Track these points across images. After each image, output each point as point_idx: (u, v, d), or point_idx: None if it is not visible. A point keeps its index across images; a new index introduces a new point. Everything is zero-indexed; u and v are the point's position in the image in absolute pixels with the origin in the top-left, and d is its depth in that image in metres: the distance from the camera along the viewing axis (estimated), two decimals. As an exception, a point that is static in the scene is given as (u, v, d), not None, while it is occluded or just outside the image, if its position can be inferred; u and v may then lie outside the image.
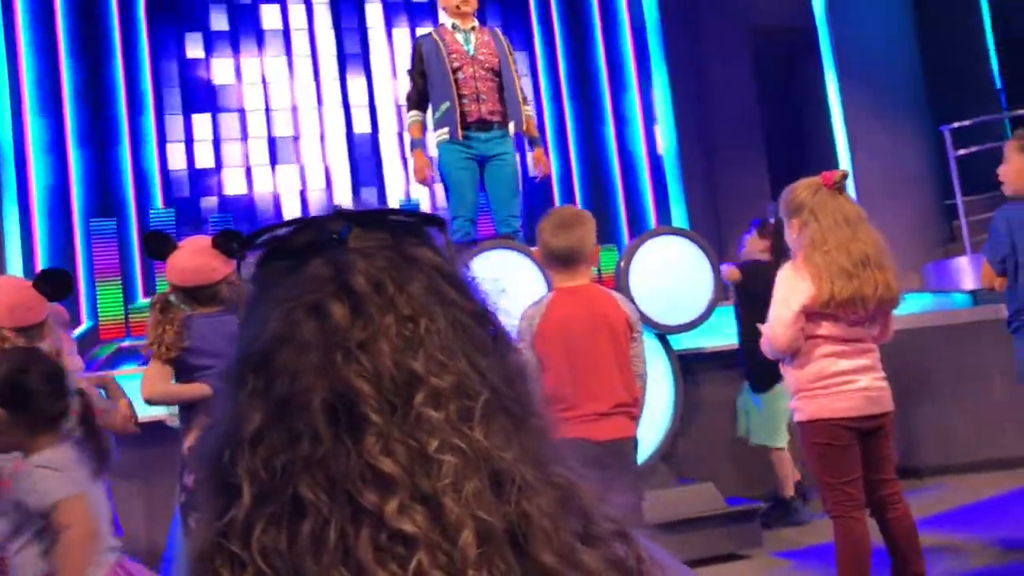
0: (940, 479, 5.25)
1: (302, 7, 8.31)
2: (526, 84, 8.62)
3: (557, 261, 2.97)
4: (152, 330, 3.05)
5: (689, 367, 4.63)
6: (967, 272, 6.65)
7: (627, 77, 8.73)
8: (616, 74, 8.75)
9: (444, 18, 4.90)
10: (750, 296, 4.37)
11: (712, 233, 7.89)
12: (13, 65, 7.18)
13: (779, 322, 2.86)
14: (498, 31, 5.01)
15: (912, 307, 5.88)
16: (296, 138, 8.19)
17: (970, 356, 5.48)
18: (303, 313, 0.65)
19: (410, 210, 0.75)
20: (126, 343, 7.39)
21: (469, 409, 0.64)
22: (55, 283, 2.96)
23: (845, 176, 3.02)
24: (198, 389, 2.99)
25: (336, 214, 0.71)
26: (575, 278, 3.02)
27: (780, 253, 4.65)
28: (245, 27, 8.19)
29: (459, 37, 4.77)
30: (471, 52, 4.73)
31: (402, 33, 8.49)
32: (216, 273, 3.05)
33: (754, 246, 4.89)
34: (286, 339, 0.65)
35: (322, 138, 8.26)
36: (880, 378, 2.96)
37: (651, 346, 4.10)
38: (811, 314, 2.85)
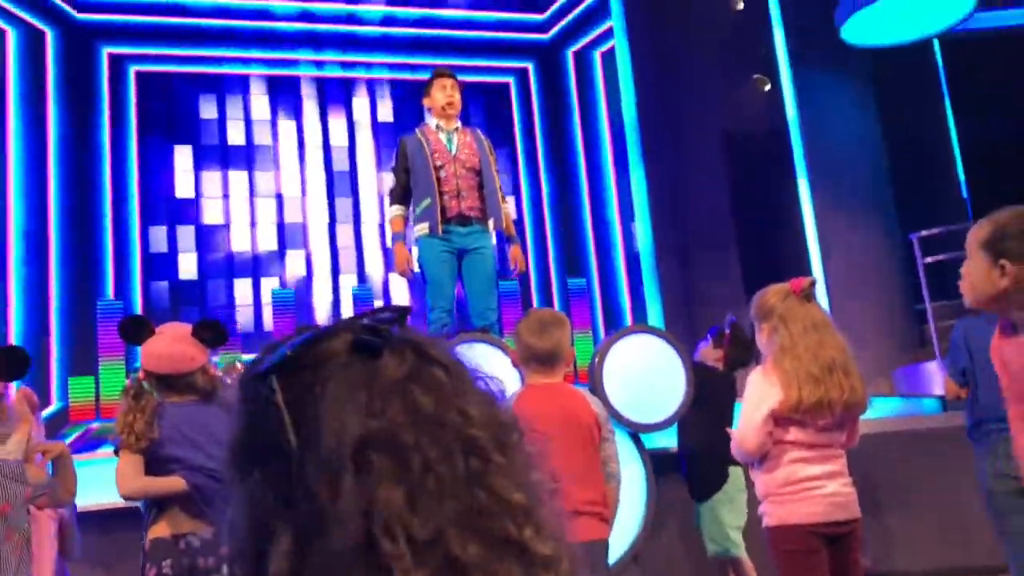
0: (910, 586, 5.21)
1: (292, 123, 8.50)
2: (506, 181, 8.82)
3: (537, 362, 3.03)
4: (122, 416, 2.95)
5: (662, 467, 4.63)
6: (936, 377, 6.75)
7: (605, 177, 8.94)
8: (594, 174, 8.97)
9: (429, 118, 5.07)
10: (695, 400, 4.40)
11: (686, 333, 7.98)
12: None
13: (749, 426, 2.90)
14: (479, 131, 5.17)
15: (881, 411, 5.94)
16: (281, 225, 8.28)
17: (938, 462, 5.51)
18: (412, 387, 0.72)
19: (392, 306, 0.82)
20: (95, 424, 7.31)
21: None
22: (17, 361, 2.94)
23: (813, 283, 3.10)
24: (175, 484, 2.90)
25: (364, 316, 0.78)
26: (550, 378, 3.09)
27: (732, 364, 4.71)
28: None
29: (442, 136, 4.93)
30: (453, 151, 4.88)
31: (388, 128, 8.69)
32: (193, 362, 2.98)
33: (708, 354, 4.90)
34: (406, 415, 0.70)
35: (304, 229, 8.37)
36: (847, 484, 2.98)
37: (623, 445, 4.11)
38: (780, 419, 2.89)
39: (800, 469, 2.92)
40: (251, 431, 0.74)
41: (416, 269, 4.99)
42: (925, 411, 6.36)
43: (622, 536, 4.11)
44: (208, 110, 8.26)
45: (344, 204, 8.47)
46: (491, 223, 4.87)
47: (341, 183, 8.51)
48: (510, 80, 9.19)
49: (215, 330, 3.03)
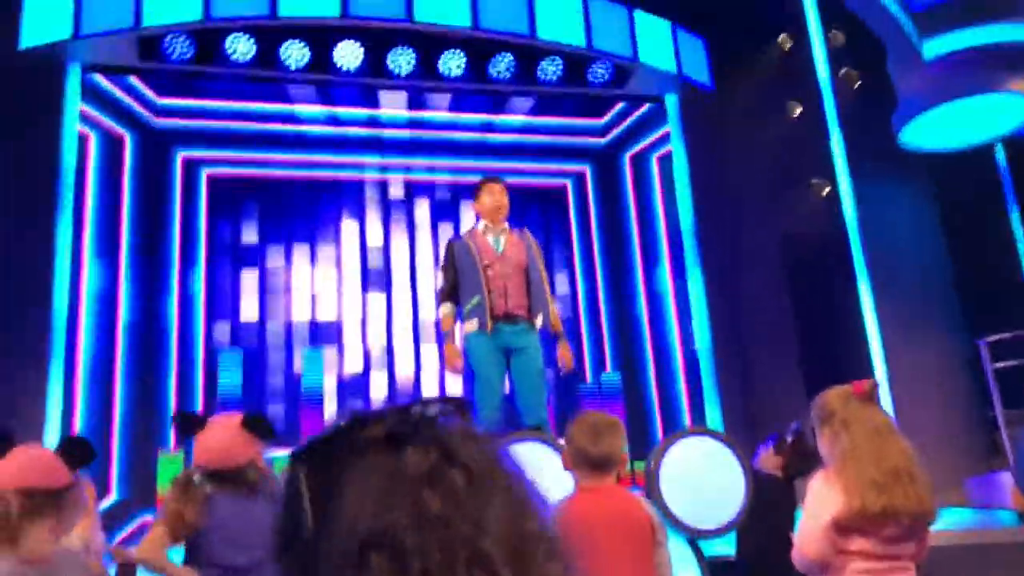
0: None
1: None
2: (561, 280, 8.88)
3: (591, 466, 2.98)
4: (169, 505, 2.95)
5: (719, 574, 4.48)
6: (1011, 487, 6.47)
7: (662, 278, 8.94)
8: (651, 276, 8.98)
9: (477, 222, 5.21)
10: (753, 508, 4.26)
11: (745, 439, 7.81)
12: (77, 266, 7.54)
13: (809, 533, 2.80)
14: (527, 231, 5.27)
15: (953, 523, 5.70)
16: (339, 323, 8.41)
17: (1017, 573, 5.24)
18: (424, 489, 0.70)
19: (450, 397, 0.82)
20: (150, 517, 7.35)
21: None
22: (82, 451, 2.92)
23: (876, 386, 3.02)
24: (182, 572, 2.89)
25: (413, 404, 0.78)
26: (598, 479, 3.02)
27: (793, 472, 4.58)
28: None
29: (490, 238, 5.05)
30: (500, 250, 4.97)
31: (447, 229, 8.86)
32: (243, 456, 3.01)
33: (767, 461, 4.79)
34: (412, 518, 0.69)
35: (363, 323, 8.47)
36: (913, 596, 2.85)
37: (681, 550, 4.00)
38: (843, 528, 2.78)
39: (863, 581, 2.80)
40: (283, 516, 0.74)
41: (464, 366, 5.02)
42: (1000, 523, 6.08)
43: (680, 648, 3.95)
44: (276, 212, 8.53)
45: (403, 302, 8.59)
46: (539, 320, 4.91)
47: (401, 283, 8.64)
48: (567, 183, 9.34)
49: (263, 423, 3.06)
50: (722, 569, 4.54)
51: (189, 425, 3.14)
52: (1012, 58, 7.09)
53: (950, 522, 5.79)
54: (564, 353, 5.08)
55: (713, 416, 8.27)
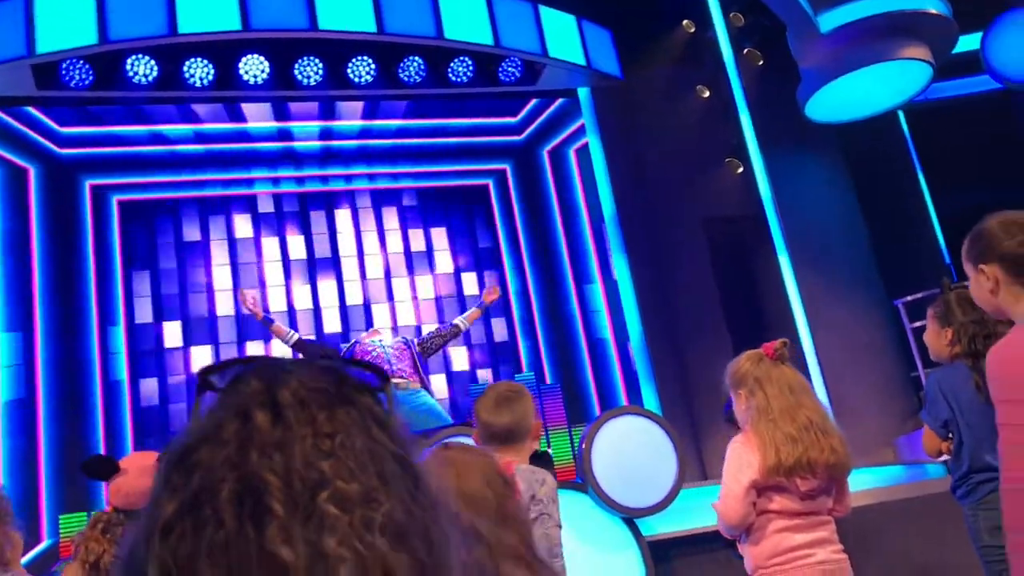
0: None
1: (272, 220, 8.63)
2: (491, 279, 8.88)
3: (497, 440, 2.89)
4: (86, 544, 2.85)
5: (661, 553, 4.51)
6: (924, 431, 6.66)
7: (590, 270, 9.00)
8: (579, 267, 9.03)
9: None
10: None
11: (684, 420, 7.91)
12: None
13: (730, 496, 2.83)
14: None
15: (882, 478, 5.84)
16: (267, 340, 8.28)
17: (947, 527, 5.38)
18: (229, 416, 0.70)
19: (361, 364, 0.80)
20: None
21: (371, 518, 0.67)
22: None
23: (786, 344, 3.08)
24: None
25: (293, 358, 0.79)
26: (519, 455, 2.93)
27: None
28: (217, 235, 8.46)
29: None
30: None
31: (370, 237, 8.79)
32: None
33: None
34: (208, 438, 0.69)
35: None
36: (838, 551, 2.90)
37: (618, 532, 4.02)
38: (763, 488, 2.82)
39: (786, 539, 2.84)
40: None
41: None
42: (927, 476, 6.25)
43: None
44: (191, 233, 8.37)
45: (331, 315, 8.50)
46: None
47: (327, 294, 8.55)
48: (489, 182, 9.35)
49: None
50: (662, 548, 4.58)
51: (103, 471, 3.09)
52: (905, 26, 7.29)
53: (879, 478, 5.93)
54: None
55: (649, 402, 8.34)
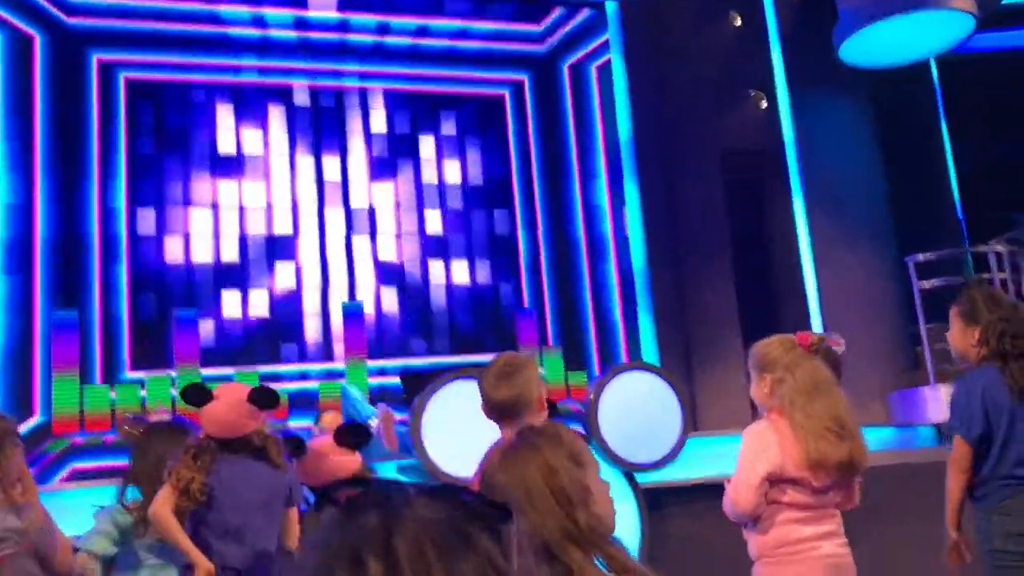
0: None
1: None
2: (497, 193, 8.74)
3: (501, 413, 2.83)
4: (178, 472, 3.09)
5: (657, 502, 4.57)
6: (931, 403, 6.71)
7: (599, 193, 8.87)
8: (588, 188, 8.90)
9: None
10: None
11: (679, 352, 7.93)
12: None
13: (744, 485, 2.81)
14: None
15: (873, 441, 5.88)
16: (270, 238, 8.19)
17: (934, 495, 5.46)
18: (341, 559, 0.67)
19: (483, 497, 0.76)
20: (79, 439, 7.21)
21: None
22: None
23: (823, 340, 3.02)
24: (196, 556, 3.01)
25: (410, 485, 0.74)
26: (516, 425, 2.78)
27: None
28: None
29: None
30: None
31: (379, 139, 8.61)
32: (248, 427, 3.19)
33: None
34: None
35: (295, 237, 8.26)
36: (843, 544, 2.91)
37: (616, 484, 4.04)
38: (776, 480, 2.81)
39: (795, 530, 2.84)
40: None
41: None
42: (919, 441, 6.32)
43: None
44: (199, 118, 8.15)
45: (335, 215, 8.37)
46: None
47: (332, 194, 8.41)
48: (505, 92, 9.11)
49: (269, 397, 3.22)
50: (659, 496, 4.63)
51: (197, 397, 3.23)
52: (954, -26, 7.01)
53: (870, 441, 5.97)
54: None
55: (647, 332, 8.35)
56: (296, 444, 3.30)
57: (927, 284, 7.08)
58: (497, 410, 2.86)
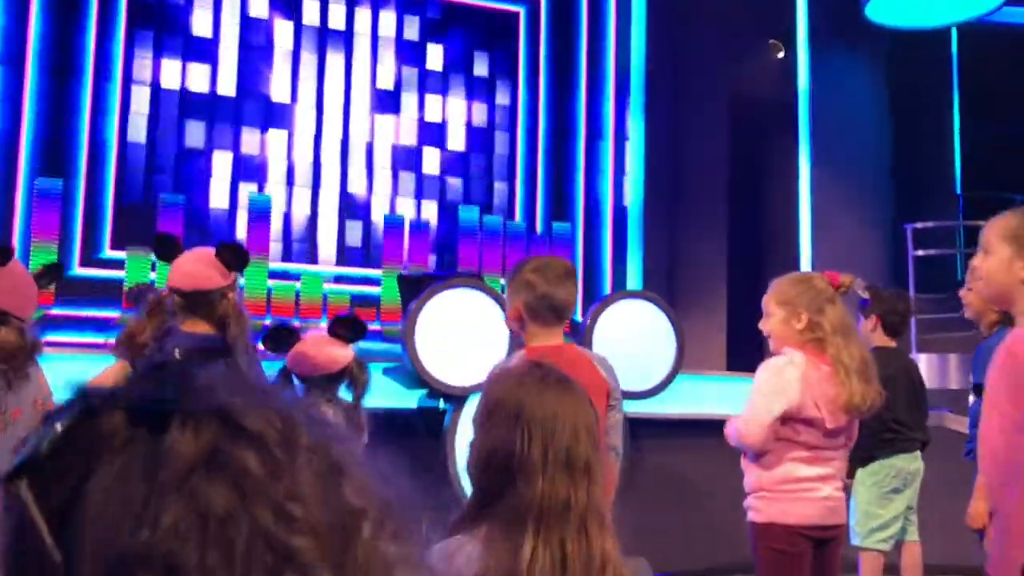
0: None
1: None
2: (503, 113, 8.58)
3: (551, 314, 2.70)
4: (131, 325, 3.03)
5: (642, 432, 4.57)
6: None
7: (604, 124, 8.73)
8: (594, 120, 8.75)
9: None
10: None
11: (663, 291, 7.90)
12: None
13: (755, 422, 2.79)
14: None
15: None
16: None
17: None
18: (200, 479, 0.50)
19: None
20: (55, 311, 7.08)
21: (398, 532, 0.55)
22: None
23: (852, 283, 3.00)
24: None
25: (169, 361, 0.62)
26: (550, 337, 2.76)
27: (893, 328, 4.24)
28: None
29: None
30: None
31: (387, 45, 8.39)
32: (213, 280, 3.00)
33: (871, 335, 4.21)
34: (187, 523, 0.50)
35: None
36: (840, 488, 2.94)
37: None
38: (789, 418, 2.79)
39: (799, 469, 2.84)
40: (13, 556, 0.54)
41: None
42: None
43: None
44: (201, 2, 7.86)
45: (334, 113, 8.18)
46: None
47: (332, 90, 8.20)
48: (520, 10, 8.87)
49: (236, 253, 3.09)
50: (646, 427, 4.63)
51: (167, 249, 3.16)
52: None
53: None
54: None
55: (634, 268, 8.32)
56: (288, 331, 3.23)
57: (922, 252, 7.09)
58: (553, 310, 2.72)
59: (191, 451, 0.51)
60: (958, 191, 8.59)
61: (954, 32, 8.81)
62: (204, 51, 7.89)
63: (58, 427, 0.53)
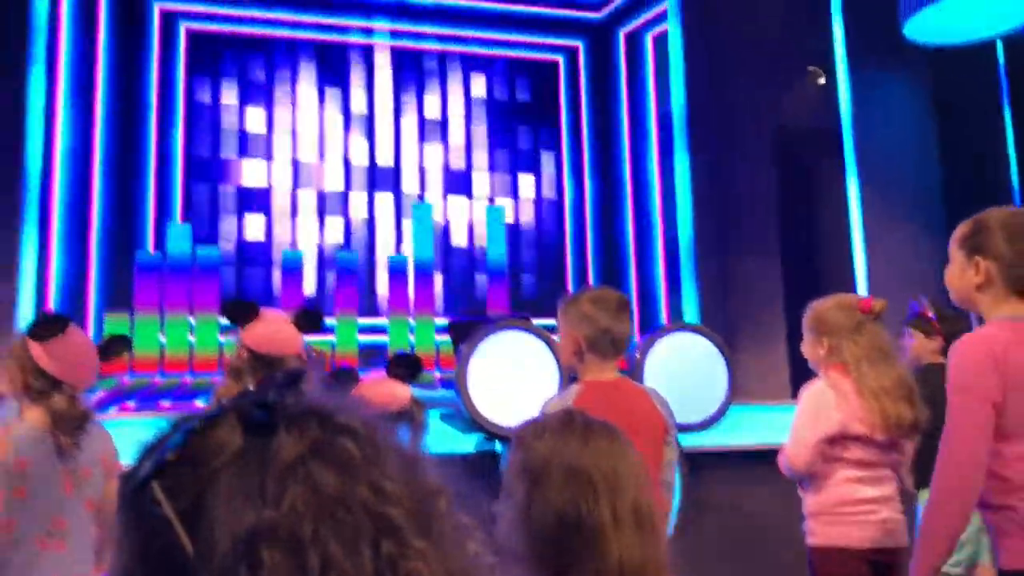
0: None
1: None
2: (547, 159, 8.72)
3: (613, 347, 2.71)
4: (224, 391, 3.07)
5: (699, 466, 4.57)
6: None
7: (649, 163, 8.82)
8: (639, 160, 8.85)
9: None
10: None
11: (722, 325, 7.87)
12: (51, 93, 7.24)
13: (800, 444, 2.81)
14: None
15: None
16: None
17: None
18: (313, 465, 0.63)
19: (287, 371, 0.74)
20: (127, 379, 7.35)
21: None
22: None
23: (884, 308, 3.02)
24: None
25: (253, 392, 0.71)
26: (605, 371, 2.76)
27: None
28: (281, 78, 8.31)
29: None
30: None
31: (431, 101, 8.62)
32: (290, 346, 3.07)
33: (922, 349, 4.20)
34: (305, 501, 0.61)
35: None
36: (899, 510, 2.92)
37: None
38: (839, 437, 2.80)
39: (855, 490, 2.84)
40: (144, 555, 0.63)
41: None
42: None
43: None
44: (257, 73, 8.22)
45: (385, 175, 8.43)
46: None
47: (383, 153, 8.45)
48: (559, 59, 9.07)
49: (313, 318, 3.16)
50: (702, 460, 4.63)
51: (242, 314, 3.16)
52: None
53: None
54: None
55: (690, 306, 8.31)
56: (347, 373, 3.25)
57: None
58: (613, 343, 2.72)
59: (300, 445, 0.63)
60: (1016, 203, 8.43)
61: (998, 43, 8.71)
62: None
63: (180, 436, 0.65)
